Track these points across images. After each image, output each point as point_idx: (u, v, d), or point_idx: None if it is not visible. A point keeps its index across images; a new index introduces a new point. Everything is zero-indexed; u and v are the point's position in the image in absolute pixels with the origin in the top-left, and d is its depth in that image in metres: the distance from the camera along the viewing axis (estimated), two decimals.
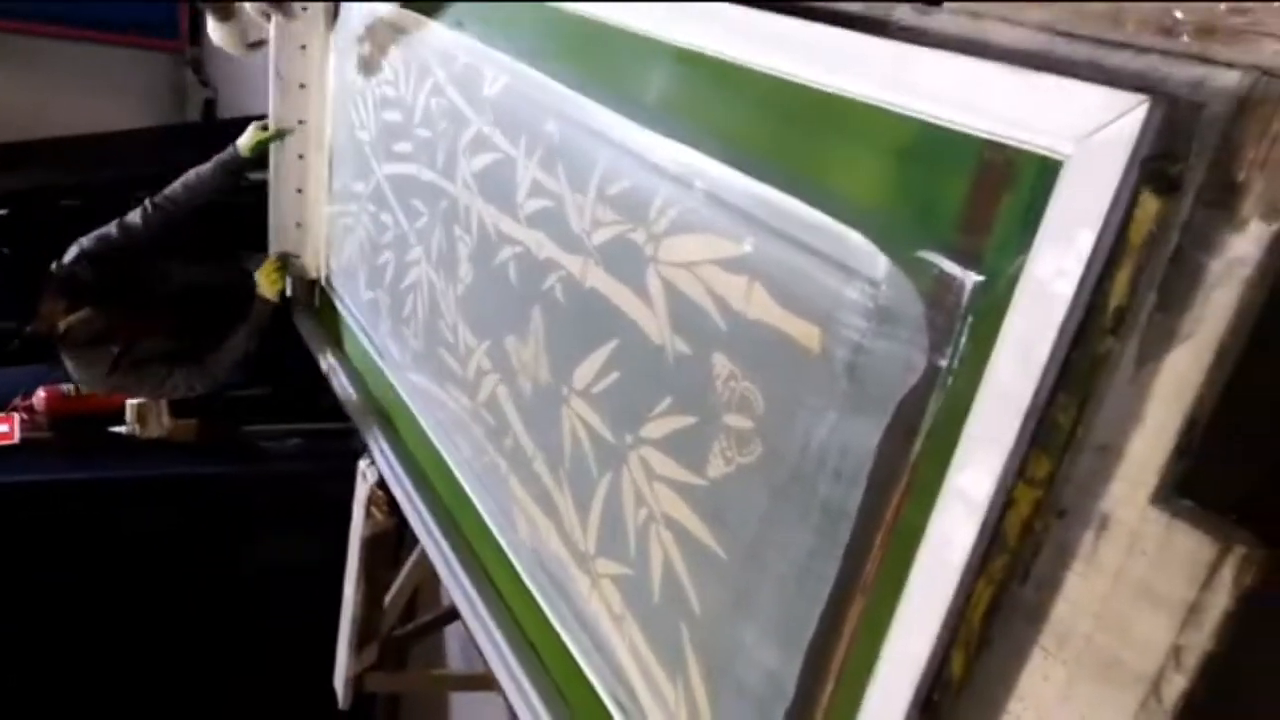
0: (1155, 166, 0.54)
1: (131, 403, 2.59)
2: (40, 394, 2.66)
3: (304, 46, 1.92)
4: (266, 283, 2.14)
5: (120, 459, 2.65)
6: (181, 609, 2.76)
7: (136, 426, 2.62)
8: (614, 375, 1.08)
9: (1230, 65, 0.54)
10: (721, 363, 0.90)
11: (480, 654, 1.42)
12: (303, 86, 1.96)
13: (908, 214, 0.71)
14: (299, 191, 2.09)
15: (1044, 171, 0.59)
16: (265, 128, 2.06)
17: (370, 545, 2.18)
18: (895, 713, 0.69)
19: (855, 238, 0.75)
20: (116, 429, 2.63)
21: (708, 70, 0.90)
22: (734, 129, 0.88)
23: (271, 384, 2.97)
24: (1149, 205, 0.54)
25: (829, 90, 0.75)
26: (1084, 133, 0.55)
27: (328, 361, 2.10)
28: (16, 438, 2.57)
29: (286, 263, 2.16)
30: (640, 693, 1.08)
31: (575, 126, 1.12)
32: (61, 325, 1.96)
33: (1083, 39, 0.62)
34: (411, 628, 2.68)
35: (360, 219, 1.88)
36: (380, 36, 1.68)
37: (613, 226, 1.05)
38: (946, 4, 0.71)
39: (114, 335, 2.01)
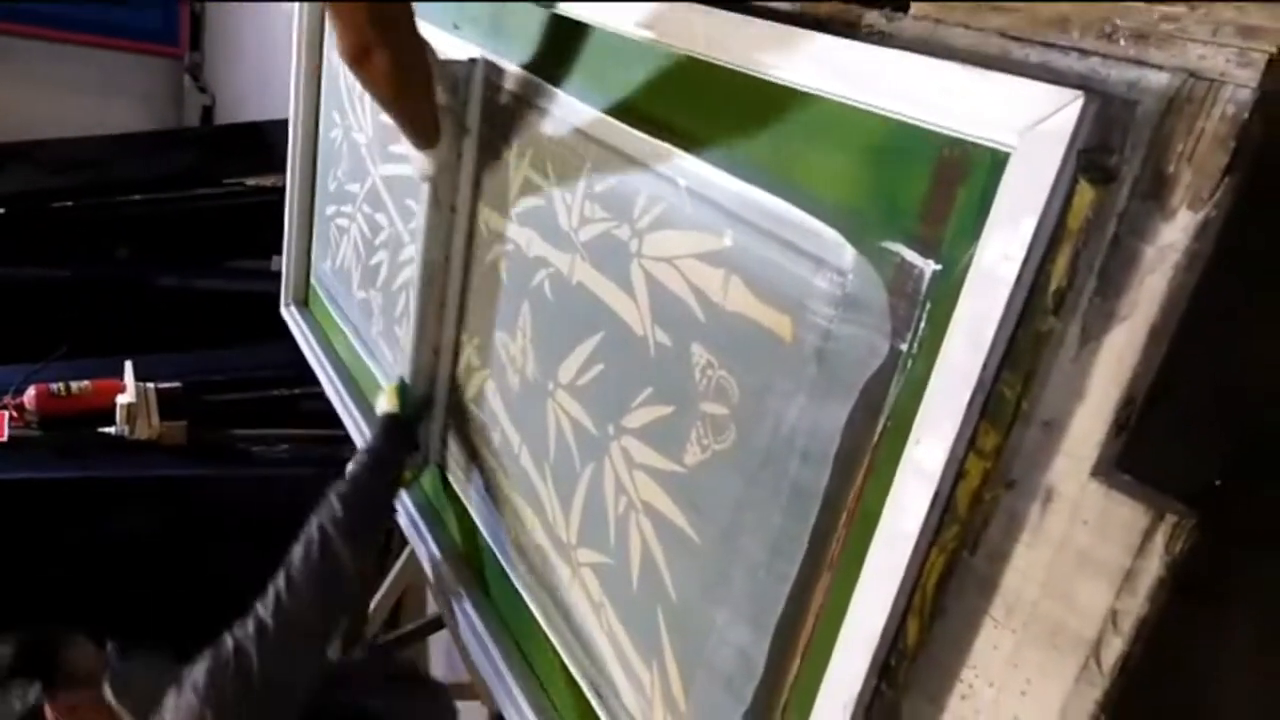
0: (1092, 157, 0.60)
1: (122, 402, 2.63)
2: (30, 392, 2.70)
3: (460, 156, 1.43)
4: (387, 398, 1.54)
5: (110, 459, 2.69)
6: (166, 609, 2.79)
7: (126, 427, 2.66)
8: (598, 368, 1.13)
9: (1161, 68, 0.59)
10: (699, 352, 0.95)
11: (464, 659, 1.46)
12: (453, 210, 1.46)
13: (874, 207, 0.76)
14: (435, 354, 1.56)
15: (994, 164, 0.65)
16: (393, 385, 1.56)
17: None
18: (855, 678, 0.74)
19: (825, 230, 0.80)
20: (106, 429, 2.67)
21: (689, 70, 0.95)
22: (714, 127, 0.93)
23: (256, 391, 3.03)
24: (1086, 193, 0.60)
25: (802, 89, 0.81)
26: (1027, 125, 0.61)
27: (318, 361, 2.14)
28: (5, 435, 2.61)
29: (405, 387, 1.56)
30: (616, 677, 1.12)
31: (564, 126, 1.18)
32: None
33: (1034, 43, 0.68)
34: (394, 636, 2.71)
35: (355, 219, 1.94)
36: None
37: (599, 223, 1.11)
38: (913, 10, 0.76)
39: None
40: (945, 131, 0.68)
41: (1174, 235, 0.60)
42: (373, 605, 2.45)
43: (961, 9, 0.72)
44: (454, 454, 1.55)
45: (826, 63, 0.78)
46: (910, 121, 0.71)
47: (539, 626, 1.30)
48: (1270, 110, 0.56)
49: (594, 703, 1.18)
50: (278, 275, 2.50)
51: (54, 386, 2.73)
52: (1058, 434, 0.65)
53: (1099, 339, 0.63)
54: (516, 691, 1.30)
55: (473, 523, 1.48)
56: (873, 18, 0.79)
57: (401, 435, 1.49)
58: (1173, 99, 0.59)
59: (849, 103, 0.77)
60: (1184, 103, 0.59)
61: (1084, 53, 0.64)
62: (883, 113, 0.74)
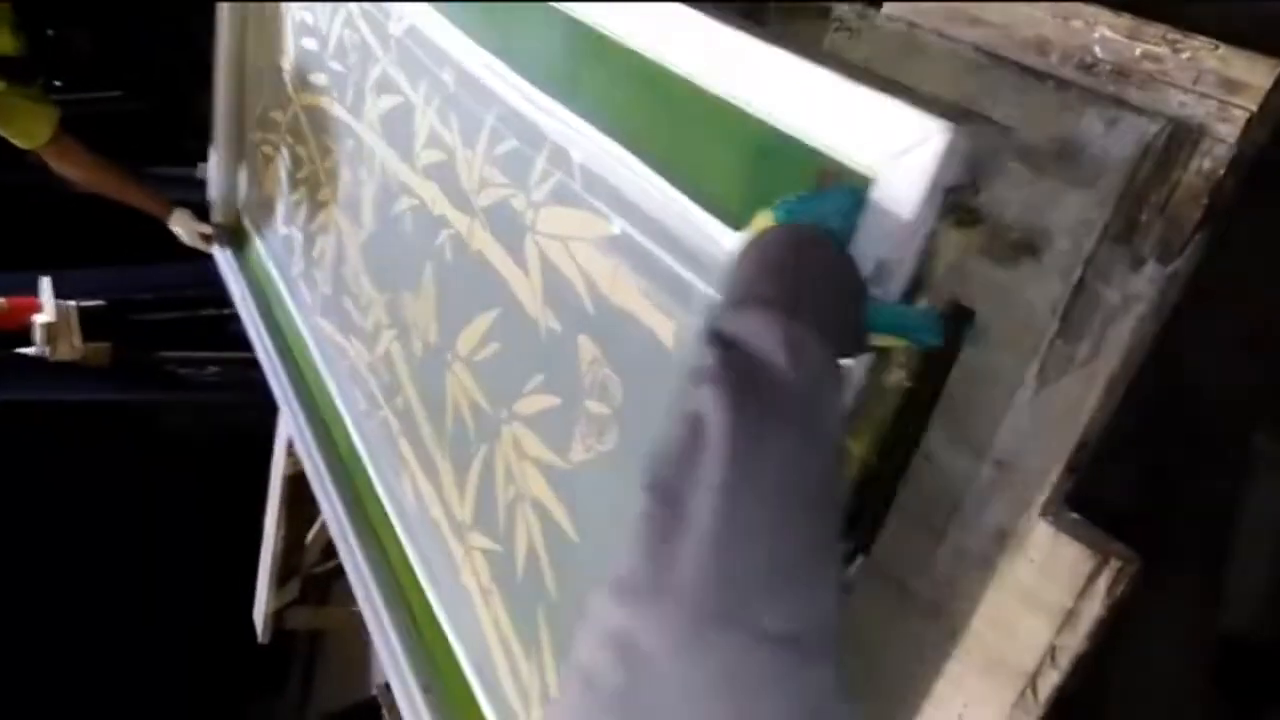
0: (960, 197, 0.47)
1: (40, 322, 2.37)
2: None
3: None
4: None
5: (30, 381, 2.44)
6: (94, 537, 2.59)
7: (47, 348, 2.40)
8: (494, 345, 0.98)
9: (1141, 111, 0.48)
10: (586, 345, 0.81)
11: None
12: None
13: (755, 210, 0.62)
14: None
15: (865, 187, 0.51)
16: None
17: (290, 484, 2.05)
18: None
19: (710, 224, 0.67)
20: (24, 350, 2.40)
21: (594, 43, 0.78)
22: (609, 102, 0.78)
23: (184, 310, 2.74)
24: (950, 238, 0.47)
25: (693, 82, 0.66)
26: (893, 153, 0.48)
27: (241, 296, 1.94)
28: None
29: None
30: (499, 665, 1.00)
31: (469, 76, 1.00)
32: None
33: (1009, 63, 0.55)
34: (333, 565, 2.56)
35: (280, 149, 1.73)
36: None
37: (498, 189, 0.95)
38: (885, 10, 0.63)
39: None
40: (817, 146, 0.55)
41: (1140, 286, 0.50)
42: (309, 537, 2.29)
43: (939, 14, 0.58)
44: (363, 411, 1.40)
45: (713, 55, 0.63)
46: (785, 130, 0.57)
47: (428, 600, 1.17)
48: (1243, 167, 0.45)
49: (475, 683, 1.06)
50: (203, 183, 2.25)
51: None
52: (1010, 473, 0.58)
53: (1057, 382, 0.54)
54: (402, 660, 1.18)
55: (376, 489, 1.33)
56: (844, 11, 0.65)
57: None
58: (1150, 146, 0.47)
59: (732, 101, 0.62)
60: (1162, 151, 0.47)
61: (1062, 83, 0.51)
62: (761, 116, 0.59)
